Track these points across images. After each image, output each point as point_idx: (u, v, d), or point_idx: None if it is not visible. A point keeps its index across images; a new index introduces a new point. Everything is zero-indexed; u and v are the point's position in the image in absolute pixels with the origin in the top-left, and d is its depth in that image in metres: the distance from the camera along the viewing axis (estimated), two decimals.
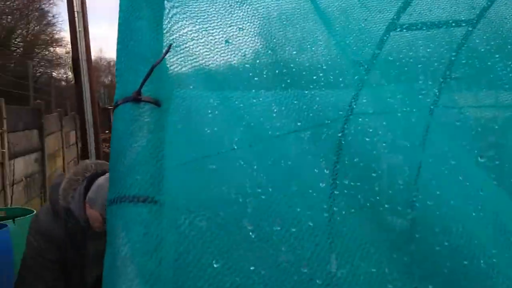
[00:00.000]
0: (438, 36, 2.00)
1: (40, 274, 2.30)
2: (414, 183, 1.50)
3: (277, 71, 1.39)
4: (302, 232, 1.17)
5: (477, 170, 1.56)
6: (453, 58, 2.02)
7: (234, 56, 1.31)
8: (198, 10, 1.32)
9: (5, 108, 7.21)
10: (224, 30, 1.32)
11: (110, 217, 1.03)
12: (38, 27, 19.63)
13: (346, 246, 1.24)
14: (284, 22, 1.55)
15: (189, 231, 1.03)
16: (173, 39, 1.23)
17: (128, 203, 1.00)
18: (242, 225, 1.12)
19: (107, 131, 15.80)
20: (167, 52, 1.09)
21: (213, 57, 1.28)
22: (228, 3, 1.37)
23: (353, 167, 1.48)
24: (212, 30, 1.30)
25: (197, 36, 1.27)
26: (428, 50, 1.98)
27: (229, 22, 1.33)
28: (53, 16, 27.25)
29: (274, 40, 1.44)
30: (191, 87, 1.20)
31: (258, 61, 1.38)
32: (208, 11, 1.34)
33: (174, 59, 1.24)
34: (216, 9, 1.36)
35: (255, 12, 1.43)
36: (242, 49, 1.33)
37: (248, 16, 1.40)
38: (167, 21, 1.25)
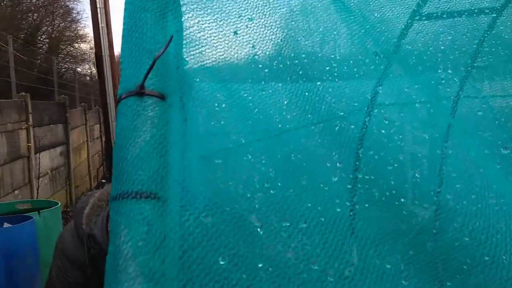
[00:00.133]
0: (461, 24, 1.92)
1: None
2: (435, 176, 1.44)
3: (288, 62, 1.34)
4: (312, 228, 1.12)
5: (500, 162, 1.49)
6: (476, 47, 1.94)
7: (243, 48, 1.27)
8: (205, 0, 1.29)
9: (30, 103, 7.35)
10: (233, 21, 1.27)
11: (112, 214, 1.01)
12: (63, 24, 19.96)
13: (359, 242, 1.19)
14: (297, 12, 1.50)
15: (193, 227, 1.00)
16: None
17: (131, 199, 0.98)
18: (249, 221, 1.08)
19: None
20: (169, 43, 1.05)
21: (221, 48, 1.24)
22: None
23: (369, 160, 1.42)
24: (220, 21, 1.26)
25: (204, 28, 1.23)
26: (451, 39, 1.90)
27: (238, 13, 1.29)
28: (77, 12, 27.66)
29: (285, 31, 1.39)
30: (197, 79, 1.17)
31: (268, 52, 1.33)
32: (216, 1, 1.30)
33: (181, 51, 1.20)
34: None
35: (265, 2, 1.38)
36: (251, 41, 1.28)
37: (258, 6, 1.35)
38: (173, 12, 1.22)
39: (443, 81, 1.81)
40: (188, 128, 1.18)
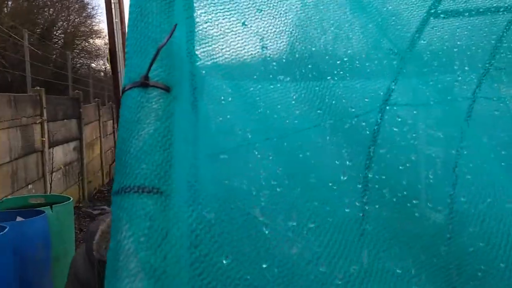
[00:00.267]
0: (479, 22, 1.86)
1: None
2: (449, 177, 1.38)
3: (297, 56, 1.30)
4: (319, 228, 1.08)
5: None
6: (494, 46, 1.87)
7: (251, 40, 1.23)
8: None
9: (45, 98, 7.40)
10: (241, 11, 1.23)
11: (114, 209, 0.98)
12: (78, 19, 20.15)
13: (369, 244, 1.14)
14: (309, 4, 1.46)
15: (196, 224, 0.96)
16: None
17: (133, 194, 0.95)
18: (254, 219, 1.04)
19: None
20: (172, 31, 1.02)
21: (229, 41, 1.20)
22: None
23: (380, 159, 1.37)
24: (228, 12, 1.22)
25: (211, 19, 1.19)
26: (468, 37, 1.84)
27: (247, 3, 1.25)
28: (92, 8, 27.94)
29: (297, 23, 1.35)
30: (203, 72, 1.13)
31: (277, 45, 1.29)
32: None
33: (187, 42, 1.17)
34: None
35: None
36: (259, 33, 1.24)
37: None
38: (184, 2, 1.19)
39: (460, 80, 1.75)
40: (198, 124, 1.14)
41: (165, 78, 1.06)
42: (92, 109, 11.06)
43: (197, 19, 1.17)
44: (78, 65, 19.69)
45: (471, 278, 1.17)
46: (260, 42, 1.25)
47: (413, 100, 1.60)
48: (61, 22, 19.29)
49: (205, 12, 1.18)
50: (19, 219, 4.30)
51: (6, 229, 3.41)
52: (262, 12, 1.25)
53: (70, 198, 5.03)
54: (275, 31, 1.27)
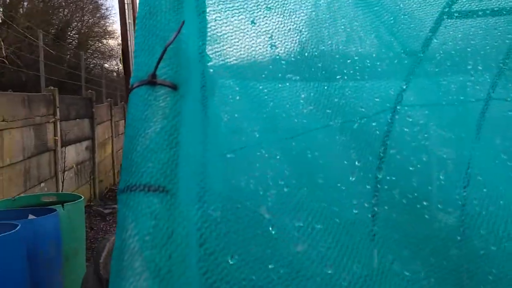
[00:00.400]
0: (494, 23, 1.82)
1: None
2: (460, 179, 1.35)
3: (306, 55, 1.28)
4: (327, 230, 1.07)
5: None
6: (509, 47, 1.84)
7: (260, 39, 1.22)
8: None
9: (58, 97, 7.46)
10: (250, 9, 1.22)
11: (120, 207, 0.97)
12: (92, 19, 20.35)
13: (377, 246, 1.12)
14: (321, 3, 1.44)
15: (202, 223, 0.95)
16: None
17: (139, 192, 0.95)
18: (261, 219, 1.03)
19: None
20: (180, 29, 1.01)
21: (237, 39, 1.19)
22: None
23: (390, 160, 1.35)
24: (237, 10, 1.21)
25: (220, 17, 1.19)
26: (483, 38, 1.81)
27: (256, 2, 1.24)
28: (106, 9, 28.22)
29: (306, 22, 1.34)
30: (211, 70, 1.12)
31: (286, 44, 1.27)
32: None
33: (199, 40, 1.16)
34: None
35: None
36: (268, 31, 1.23)
37: None
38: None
39: (473, 81, 1.72)
40: (205, 123, 1.13)
41: (173, 76, 1.06)
42: (104, 109, 11.14)
43: (207, 17, 1.16)
44: (91, 65, 19.87)
45: (482, 282, 1.14)
46: (269, 41, 1.24)
47: (425, 101, 1.57)
48: (75, 23, 19.50)
49: (214, 10, 1.17)
50: (31, 217, 4.34)
51: (18, 227, 3.44)
52: (271, 10, 1.24)
53: (81, 197, 5.06)
54: (284, 29, 1.26)
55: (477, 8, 1.83)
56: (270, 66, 1.25)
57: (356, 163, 1.23)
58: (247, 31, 1.22)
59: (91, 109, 9.57)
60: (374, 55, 1.44)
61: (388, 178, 1.30)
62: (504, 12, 1.83)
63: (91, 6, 19.93)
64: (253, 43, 1.23)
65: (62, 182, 7.38)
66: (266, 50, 1.24)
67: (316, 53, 1.31)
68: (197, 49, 1.18)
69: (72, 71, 13.00)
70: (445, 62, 1.67)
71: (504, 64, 1.74)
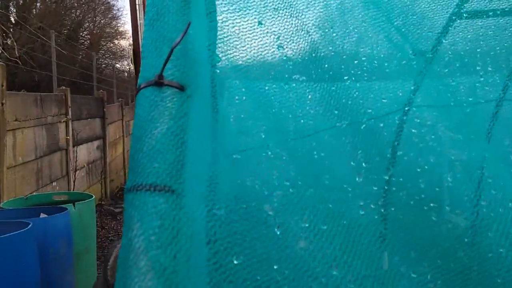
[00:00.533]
0: (506, 24, 1.80)
1: None
2: (469, 181, 1.34)
3: (314, 55, 1.28)
4: (333, 231, 1.06)
5: None
6: None
7: (267, 39, 1.22)
8: None
9: (70, 97, 7.53)
10: (258, 10, 1.22)
11: (126, 207, 0.98)
12: (104, 20, 20.53)
13: (384, 248, 1.11)
14: (330, 4, 1.44)
15: (206, 223, 0.96)
16: None
17: (145, 192, 0.95)
18: (266, 219, 1.03)
19: None
20: (186, 30, 1.01)
21: (244, 39, 1.19)
22: None
23: (398, 161, 1.34)
24: (245, 10, 1.21)
25: (227, 18, 1.19)
26: (494, 39, 1.79)
27: (264, 2, 1.24)
28: (118, 9, 28.43)
29: (313, 23, 1.33)
30: (217, 71, 1.13)
31: (293, 45, 1.27)
32: None
33: (204, 41, 1.17)
34: None
35: None
36: (276, 32, 1.23)
37: None
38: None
39: (483, 82, 1.70)
40: (212, 123, 1.14)
41: (180, 77, 1.06)
42: (115, 108, 11.22)
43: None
44: (103, 65, 20.04)
45: (490, 284, 1.13)
46: (276, 42, 1.24)
47: (434, 102, 1.56)
48: (87, 23, 19.68)
49: (221, 11, 1.17)
50: (42, 215, 4.39)
51: (30, 225, 3.47)
52: (279, 11, 1.24)
53: (92, 196, 5.10)
54: (291, 30, 1.26)
55: (488, 9, 1.81)
56: (277, 67, 1.25)
57: (363, 164, 1.22)
58: (254, 32, 1.22)
59: (102, 109, 9.64)
60: (382, 55, 1.43)
61: (395, 179, 1.29)
62: None
63: (103, 7, 20.11)
64: (260, 44, 1.23)
65: (74, 181, 7.45)
66: (273, 51, 1.24)
67: (323, 54, 1.31)
68: (206, 49, 1.18)
69: (84, 71, 13.12)
70: (454, 63, 1.66)
71: None
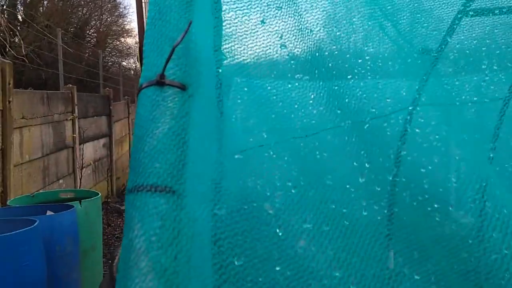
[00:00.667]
0: None
1: None
2: (474, 181, 1.32)
3: (317, 54, 1.27)
4: (335, 231, 1.05)
5: None
6: None
7: (270, 38, 1.21)
8: None
9: (76, 95, 7.56)
10: (260, 9, 1.21)
11: (127, 207, 0.98)
12: (110, 18, 20.58)
13: (388, 249, 1.11)
14: (335, 2, 1.43)
15: (207, 223, 0.95)
16: None
17: (146, 192, 0.95)
18: (268, 220, 1.02)
19: None
20: (187, 29, 1.01)
21: (246, 38, 1.18)
22: None
23: (401, 161, 1.33)
24: (247, 9, 1.20)
25: (230, 17, 1.18)
26: (502, 37, 1.76)
27: (266, 1, 1.23)
28: (124, 7, 28.50)
29: (317, 22, 1.32)
30: (219, 70, 1.12)
31: (296, 44, 1.26)
32: None
33: (209, 39, 1.16)
34: None
35: None
36: (279, 31, 1.22)
37: None
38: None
39: (491, 81, 1.68)
40: (214, 123, 1.13)
41: (181, 76, 1.06)
42: (121, 106, 11.26)
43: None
44: (109, 63, 20.10)
45: (494, 286, 1.12)
46: (279, 41, 1.23)
47: (439, 101, 1.54)
48: (94, 22, 19.74)
49: (224, 10, 1.17)
50: (49, 213, 4.41)
51: (36, 223, 3.49)
52: (282, 10, 1.23)
53: (98, 194, 5.12)
54: (294, 29, 1.25)
55: (496, 7, 1.79)
56: (280, 66, 1.24)
57: (366, 164, 1.21)
58: (257, 31, 1.21)
59: (108, 107, 9.67)
60: (386, 54, 1.42)
61: (398, 179, 1.28)
62: None
63: (109, 5, 20.17)
64: (262, 43, 1.22)
65: (80, 179, 7.49)
66: (276, 50, 1.23)
67: (326, 53, 1.30)
68: (209, 48, 1.18)
69: (90, 69, 13.17)
70: (460, 61, 1.64)
71: None
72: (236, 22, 1.19)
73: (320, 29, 1.31)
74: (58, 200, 5.05)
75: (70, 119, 7.32)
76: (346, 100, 1.26)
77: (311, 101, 1.24)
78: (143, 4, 9.16)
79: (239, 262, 0.96)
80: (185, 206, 0.94)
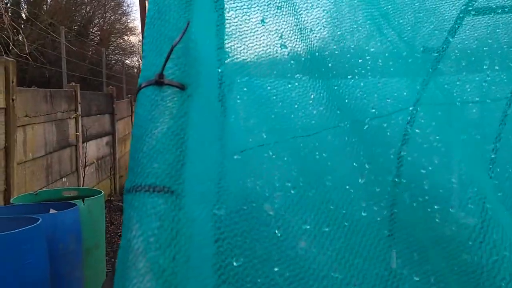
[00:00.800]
0: None
1: None
2: (473, 182, 1.31)
3: (317, 54, 1.26)
4: (335, 232, 1.05)
5: None
6: None
7: (270, 38, 1.20)
8: None
9: (79, 94, 7.58)
10: (260, 8, 1.21)
11: (126, 207, 0.98)
12: (113, 16, 20.62)
13: (387, 250, 1.10)
14: (336, 1, 1.42)
15: (205, 224, 0.95)
16: None
17: (144, 193, 0.95)
18: (267, 221, 1.02)
19: None
20: (185, 30, 1.00)
21: (246, 38, 1.18)
22: None
23: (401, 162, 1.32)
24: (247, 9, 1.20)
25: (230, 16, 1.18)
26: (505, 36, 1.75)
27: (267, 1, 1.22)
28: (127, 5, 28.53)
29: (318, 21, 1.31)
30: (219, 70, 1.12)
31: (296, 43, 1.25)
32: None
33: (205, 40, 1.16)
34: None
35: None
36: (279, 30, 1.22)
37: None
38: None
39: (492, 81, 1.67)
40: (214, 123, 1.13)
41: (180, 76, 1.06)
42: (124, 104, 11.27)
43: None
44: (112, 61, 20.13)
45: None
46: (279, 40, 1.22)
47: (440, 101, 1.53)
48: (97, 20, 19.78)
49: (224, 9, 1.16)
50: (52, 211, 4.42)
51: (39, 221, 3.50)
52: (282, 9, 1.22)
53: (101, 192, 5.13)
54: (294, 29, 1.24)
55: (499, 5, 1.77)
56: (280, 66, 1.23)
57: (366, 165, 1.21)
58: (257, 30, 1.21)
59: (111, 105, 9.69)
60: (387, 54, 1.41)
61: (397, 180, 1.27)
62: None
63: (113, 3, 20.20)
64: (262, 43, 1.21)
65: (83, 177, 7.50)
66: (276, 50, 1.23)
67: (326, 53, 1.29)
68: (209, 48, 1.17)
69: (93, 68, 13.19)
70: (461, 61, 1.63)
71: None
72: (236, 22, 1.19)
73: (320, 28, 1.30)
74: (61, 198, 5.06)
75: (73, 117, 7.33)
76: (346, 100, 1.26)
77: (311, 102, 1.23)
78: (146, 2, 9.16)
79: (238, 263, 0.95)
80: (184, 207, 0.93)
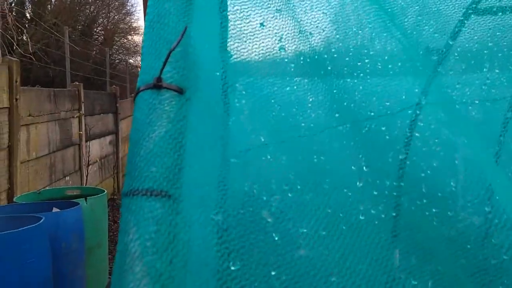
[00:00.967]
0: None
1: None
2: (475, 184, 1.31)
3: (316, 57, 1.26)
4: (333, 236, 1.05)
5: None
6: None
7: (269, 41, 1.20)
8: None
9: (83, 93, 7.60)
10: (260, 11, 1.21)
11: (123, 211, 0.98)
12: (117, 16, 20.66)
13: (385, 254, 1.10)
14: (339, 4, 1.42)
15: (203, 228, 0.95)
16: None
17: (141, 197, 0.95)
18: (264, 224, 1.02)
19: None
20: (183, 34, 1.00)
21: (244, 40, 1.18)
22: None
23: (401, 165, 1.32)
24: (247, 11, 1.20)
25: (230, 19, 1.18)
26: (504, 38, 1.74)
27: (266, 3, 1.22)
28: (131, 5, 28.55)
29: (317, 24, 1.31)
30: (217, 73, 1.12)
31: (295, 46, 1.25)
32: None
33: (204, 44, 1.16)
34: None
35: None
36: (278, 33, 1.22)
37: None
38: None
39: (493, 84, 1.66)
40: (213, 126, 1.13)
41: (179, 79, 1.06)
42: (128, 104, 11.29)
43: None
44: (116, 61, 20.17)
45: None
46: (278, 43, 1.22)
47: (441, 103, 1.53)
48: (101, 19, 19.83)
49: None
50: (55, 210, 4.43)
51: (42, 220, 3.51)
52: (281, 12, 1.22)
53: (104, 191, 5.14)
54: (294, 32, 1.24)
55: (504, 6, 1.76)
56: (279, 69, 1.23)
57: (365, 168, 1.20)
58: (257, 33, 1.21)
59: (115, 104, 9.71)
60: (386, 57, 1.41)
61: (396, 183, 1.27)
62: None
63: (116, 3, 20.24)
64: (262, 45, 1.21)
65: (86, 176, 7.53)
66: (276, 52, 1.23)
67: (326, 56, 1.29)
68: (213, 49, 1.17)
69: (97, 67, 13.22)
70: (462, 63, 1.62)
71: None
72: (236, 24, 1.19)
73: (319, 31, 1.30)
74: (64, 197, 5.08)
75: (76, 117, 7.36)
76: (346, 102, 1.25)
77: (309, 105, 1.23)
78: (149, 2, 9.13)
79: (235, 267, 0.95)
80: (181, 211, 0.94)
